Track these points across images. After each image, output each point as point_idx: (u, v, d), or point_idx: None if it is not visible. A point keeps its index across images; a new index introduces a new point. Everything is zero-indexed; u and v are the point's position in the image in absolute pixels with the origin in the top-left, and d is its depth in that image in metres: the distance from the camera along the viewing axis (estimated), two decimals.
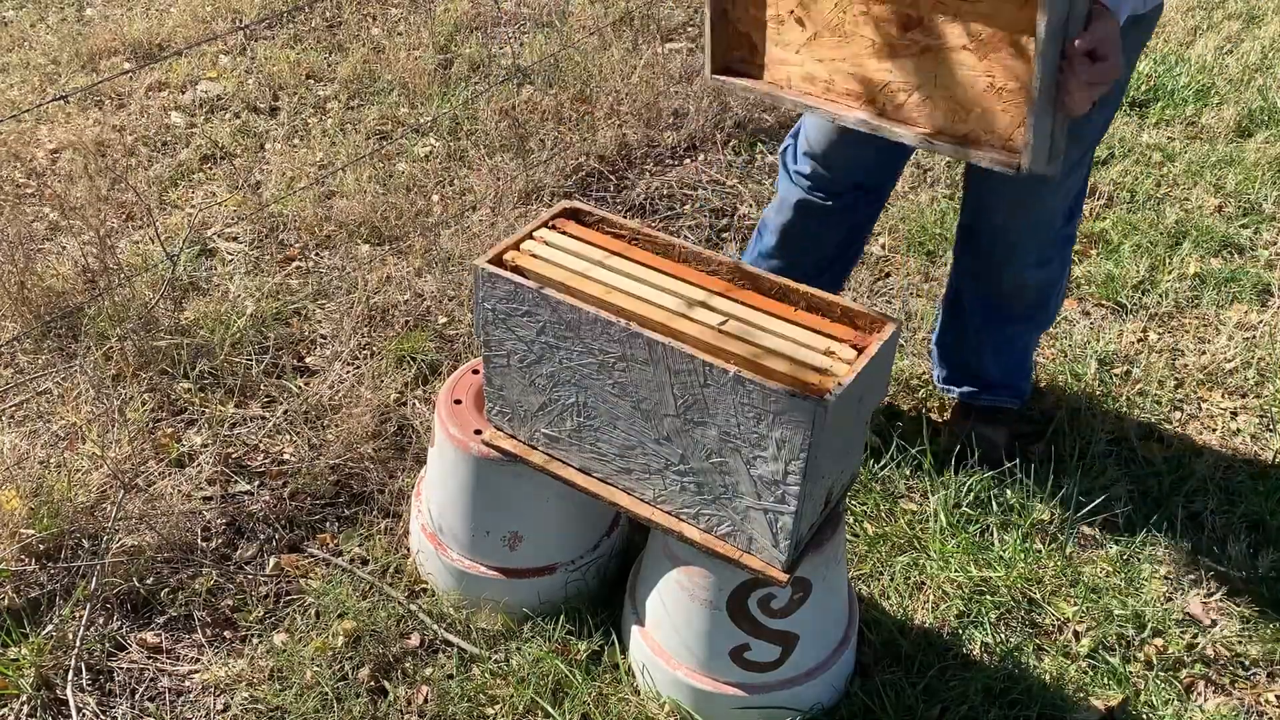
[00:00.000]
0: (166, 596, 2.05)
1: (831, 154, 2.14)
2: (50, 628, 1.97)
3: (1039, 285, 2.20)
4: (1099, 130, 2.04)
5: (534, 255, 1.72)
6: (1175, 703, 1.92)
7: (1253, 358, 2.66)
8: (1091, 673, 1.97)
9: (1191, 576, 2.15)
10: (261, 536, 2.18)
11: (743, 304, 1.65)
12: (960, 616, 2.04)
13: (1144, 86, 3.73)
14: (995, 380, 2.36)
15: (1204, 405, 2.55)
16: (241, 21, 4.10)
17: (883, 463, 2.32)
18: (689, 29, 4.14)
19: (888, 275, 2.95)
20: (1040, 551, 2.17)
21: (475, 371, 2.02)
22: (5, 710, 1.86)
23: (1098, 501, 2.27)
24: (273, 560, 2.13)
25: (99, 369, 2.41)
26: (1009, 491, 2.26)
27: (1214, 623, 2.06)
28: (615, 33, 3.96)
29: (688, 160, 3.43)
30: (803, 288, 1.65)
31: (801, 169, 2.20)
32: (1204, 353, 2.69)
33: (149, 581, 2.07)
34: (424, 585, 2.07)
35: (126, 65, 3.86)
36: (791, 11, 1.70)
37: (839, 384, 1.49)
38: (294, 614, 2.03)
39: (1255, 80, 3.82)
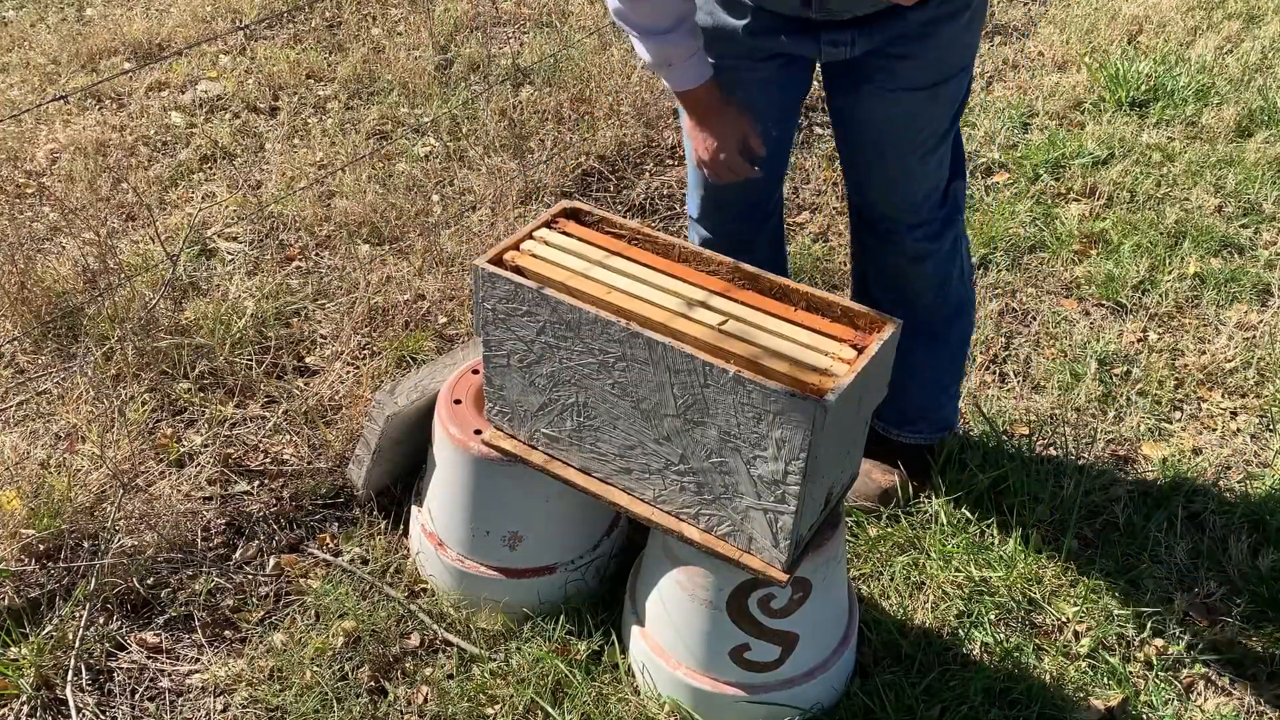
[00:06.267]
0: (166, 596, 2.05)
1: (718, 186, 2.04)
2: (50, 628, 1.97)
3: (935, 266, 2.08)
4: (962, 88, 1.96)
5: (534, 255, 1.72)
6: (1175, 703, 1.92)
7: (1253, 358, 2.66)
8: (1091, 673, 1.97)
9: (1191, 576, 2.15)
10: (261, 537, 2.18)
11: (742, 304, 1.65)
12: (960, 616, 2.04)
13: (1144, 86, 3.73)
14: (914, 409, 2.24)
15: (1204, 405, 2.55)
16: (241, 21, 4.11)
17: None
18: None
19: None
20: (1040, 551, 2.17)
21: (475, 371, 2.02)
22: (5, 710, 1.86)
23: (1098, 502, 2.27)
24: (273, 560, 2.14)
25: (99, 369, 2.41)
26: (1009, 491, 2.26)
27: (1214, 623, 2.06)
28: (615, 33, 3.96)
29: None
30: (803, 287, 1.65)
31: (696, 214, 2.14)
32: (1204, 353, 2.69)
33: (149, 581, 2.07)
34: (424, 585, 2.07)
35: (126, 65, 3.86)
36: None
37: (839, 384, 1.49)
38: (294, 614, 2.03)
39: (1255, 80, 3.82)
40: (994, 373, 2.62)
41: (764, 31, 1.87)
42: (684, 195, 3.27)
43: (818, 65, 1.99)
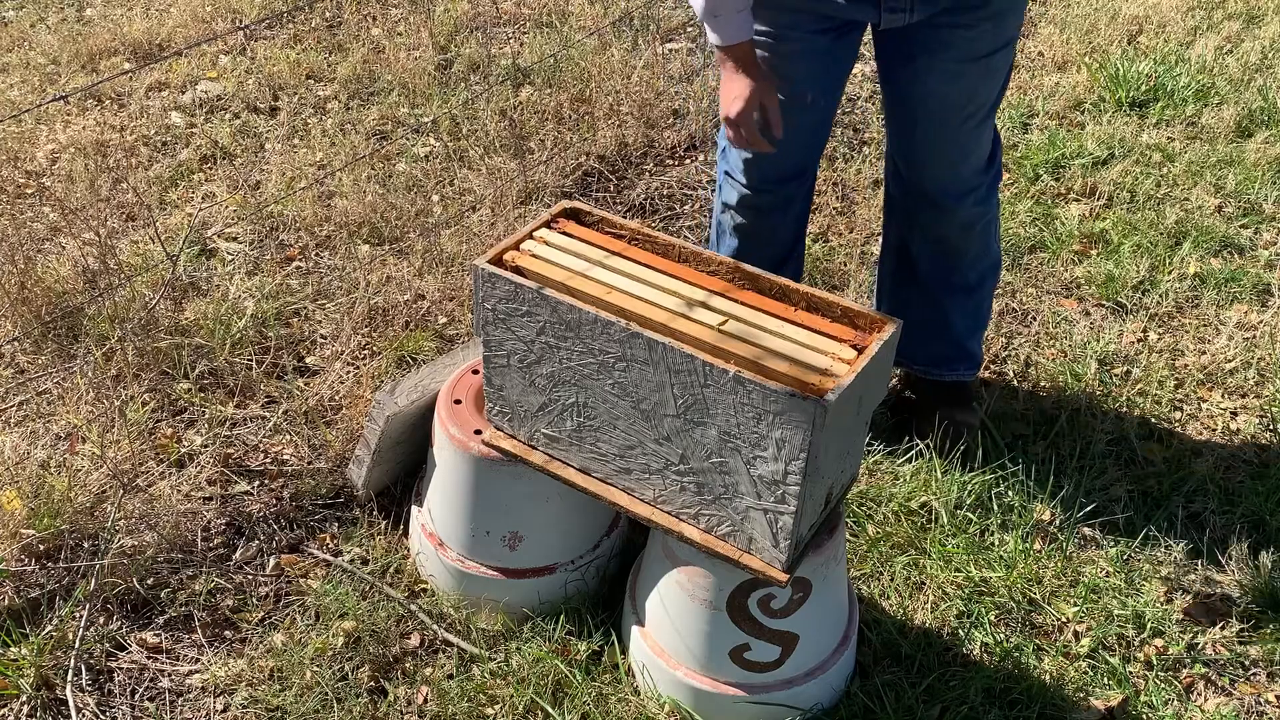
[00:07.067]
0: (166, 596, 2.05)
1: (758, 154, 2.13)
2: (50, 628, 1.97)
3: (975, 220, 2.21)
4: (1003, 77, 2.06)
5: (534, 255, 1.72)
6: (1175, 703, 1.92)
7: (1253, 358, 2.66)
8: (1091, 673, 1.96)
9: (1192, 576, 2.15)
10: (261, 537, 2.18)
11: (742, 304, 1.65)
12: (960, 616, 2.04)
13: (1144, 86, 3.73)
14: (952, 352, 2.36)
15: (1204, 405, 2.55)
16: (241, 21, 4.11)
17: (877, 457, 2.32)
18: (689, 29, 4.14)
19: None
20: (1040, 551, 2.17)
21: (475, 371, 2.02)
22: (5, 710, 1.86)
23: (1098, 502, 2.27)
24: (272, 560, 2.13)
25: (99, 369, 2.41)
26: (1009, 491, 2.26)
27: (1214, 623, 2.06)
28: (615, 33, 3.97)
29: (688, 160, 3.43)
30: (803, 287, 1.65)
31: (735, 170, 2.21)
32: (1204, 353, 2.69)
33: (149, 581, 2.07)
34: (424, 585, 2.07)
35: (126, 65, 3.86)
36: None
37: (839, 384, 1.49)
38: (294, 614, 2.03)
39: (1255, 80, 3.82)
40: (994, 373, 2.62)
41: None
42: (684, 195, 3.27)
43: (864, 39, 2.07)
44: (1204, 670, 1.98)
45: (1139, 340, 2.73)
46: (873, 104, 3.76)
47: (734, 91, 1.95)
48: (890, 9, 1.92)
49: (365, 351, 2.60)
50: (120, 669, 1.95)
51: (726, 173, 2.24)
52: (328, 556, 2.13)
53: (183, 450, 2.32)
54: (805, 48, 1.99)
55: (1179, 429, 2.48)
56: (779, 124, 1.98)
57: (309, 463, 2.29)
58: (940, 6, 1.91)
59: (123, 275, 2.70)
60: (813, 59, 2.01)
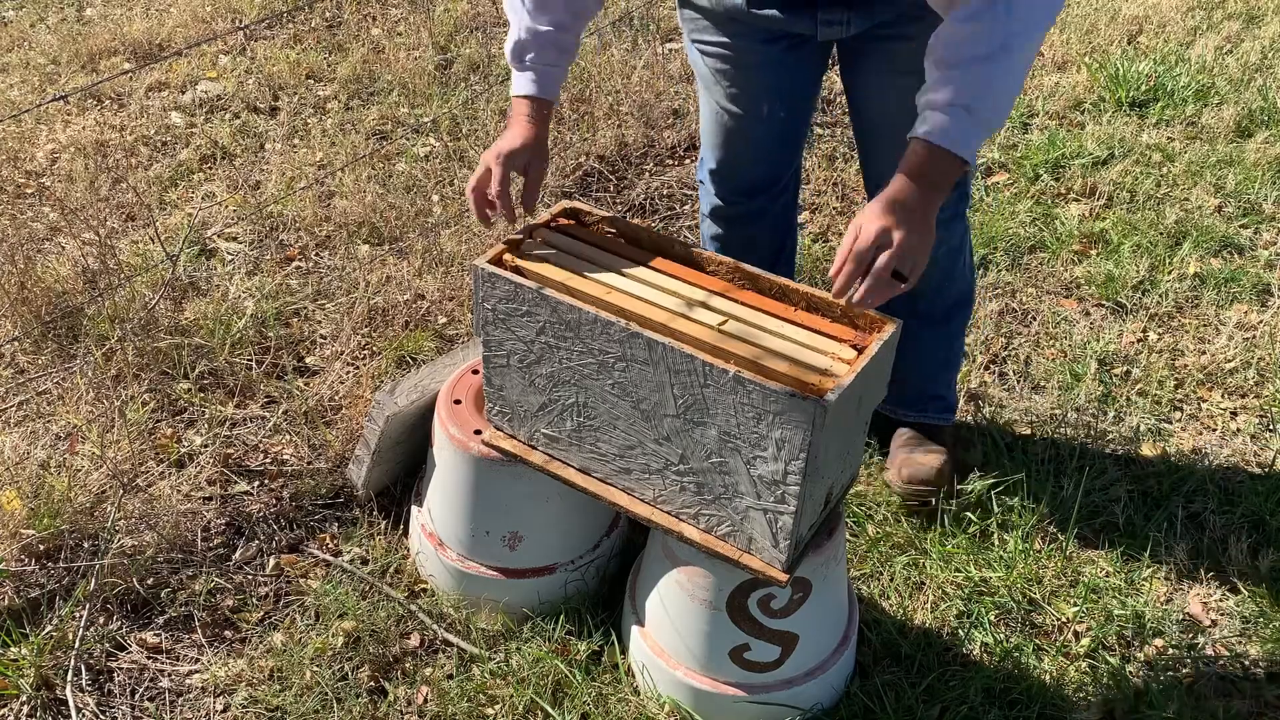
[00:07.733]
0: (166, 596, 2.05)
1: (726, 158, 2.14)
2: (50, 628, 1.97)
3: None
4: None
5: (534, 255, 1.72)
6: (1175, 703, 1.92)
7: (1253, 358, 2.66)
8: (1091, 673, 1.96)
9: (1191, 576, 2.15)
10: (261, 537, 2.18)
11: (742, 304, 1.65)
12: (960, 616, 2.04)
13: (1144, 86, 3.73)
14: (921, 389, 2.27)
15: (1204, 405, 2.55)
16: (241, 21, 4.11)
17: (878, 457, 2.32)
18: None
19: None
20: (1040, 551, 2.17)
21: (475, 371, 2.02)
22: (5, 710, 1.86)
23: (1098, 502, 2.27)
24: (272, 561, 2.14)
25: (99, 369, 2.41)
26: (1009, 491, 2.26)
27: (1214, 623, 2.06)
28: (615, 33, 3.97)
29: (688, 160, 3.43)
30: (803, 287, 1.65)
31: (707, 180, 2.21)
32: (1204, 353, 2.69)
33: (149, 581, 2.07)
34: (424, 585, 2.07)
35: (126, 65, 3.86)
36: None
37: (839, 384, 1.49)
38: (294, 614, 2.03)
39: (1255, 80, 3.82)
40: (994, 373, 2.62)
41: (763, 5, 1.90)
42: (684, 195, 3.27)
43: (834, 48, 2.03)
44: (1204, 670, 1.98)
45: (1139, 340, 2.73)
46: None
47: (496, 147, 1.80)
48: (826, 22, 1.89)
49: (365, 351, 2.60)
50: (120, 669, 1.95)
51: (701, 181, 2.24)
52: (328, 556, 2.13)
53: (183, 450, 2.32)
54: (761, 59, 1.98)
55: (1179, 429, 2.48)
56: (533, 203, 1.83)
57: (309, 463, 2.29)
58: (877, 20, 1.87)
59: (123, 275, 2.70)
60: (769, 70, 1.99)
